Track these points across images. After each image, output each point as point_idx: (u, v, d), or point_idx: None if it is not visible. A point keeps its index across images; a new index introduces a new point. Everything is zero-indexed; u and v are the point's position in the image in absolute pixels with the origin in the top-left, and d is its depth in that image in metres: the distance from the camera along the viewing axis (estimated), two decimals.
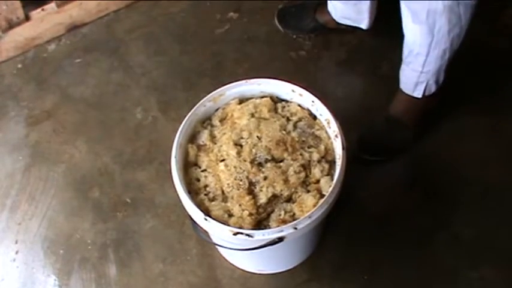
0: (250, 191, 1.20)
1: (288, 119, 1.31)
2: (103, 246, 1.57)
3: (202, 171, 1.26)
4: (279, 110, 1.33)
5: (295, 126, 1.29)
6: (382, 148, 1.62)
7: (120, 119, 1.80)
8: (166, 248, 1.55)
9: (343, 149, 1.22)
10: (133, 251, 1.56)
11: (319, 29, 1.84)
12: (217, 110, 1.35)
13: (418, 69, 1.46)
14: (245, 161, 1.22)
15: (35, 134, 1.80)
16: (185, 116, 1.29)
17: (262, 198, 1.18)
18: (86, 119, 1.82)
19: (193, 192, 1.23)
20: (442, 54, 1.40)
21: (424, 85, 1.50)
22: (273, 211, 1.21)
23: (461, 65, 1.53)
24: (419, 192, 1.58)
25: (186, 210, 1.20)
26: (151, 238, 1.57)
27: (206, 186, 1.24)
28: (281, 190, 1.20)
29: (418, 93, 1.53)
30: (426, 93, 1.53)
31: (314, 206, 1.17)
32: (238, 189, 1.19)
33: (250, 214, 1.17)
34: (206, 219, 1.15)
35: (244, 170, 1.21)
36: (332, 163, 1.25)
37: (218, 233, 1.15)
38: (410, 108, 1.59)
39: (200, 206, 1.19)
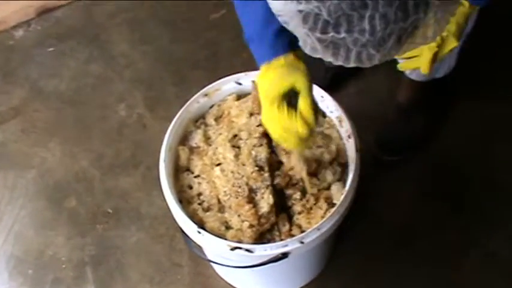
0: (251, 199, 1.21)
1: None
2: (80, 264, 1.59)
3: (195, 177, 1.28)
4: None
5: None
6: (401, 143, 1.68)
7: (101, 117, 1.82)
8: (153, 266, 1.56)
9: (356, 151, 1.23)
10: (115, 269, 1.57)
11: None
12: (212, 107, 1.37)
13: None
14: (244, 164, 1.24)
15: (0, 135, 1.81)
16: (175, 114, 1.30)
17: (264, 207, 1.20)
18: (60, 117, 1.84)
19: (185, 201, 1.25)
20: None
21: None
22: (276, 222, 1.22)
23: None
24: (444, 201, 1.60)
25: (176, 222, 1.21)
26: (137, 254, 1.59)
27: (200, 194, 1.26)
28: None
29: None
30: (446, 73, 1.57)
31: (323, 216, 1.19)
32: (237, 198, 1.21)
33: (251, 226, 1.19)
34: (200, 232, 1.16)
35: (243, 176, 1.23)
36: (345, 166, 1.27)
37: (213, 247, 1.17)
38: (420, 92, 1.64)
39: (193, 217, 1.21)
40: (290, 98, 1.03)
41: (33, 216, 1.67)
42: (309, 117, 1.02)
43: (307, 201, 1.22)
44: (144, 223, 1.63)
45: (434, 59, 1.08)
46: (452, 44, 1.06)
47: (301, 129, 1.02)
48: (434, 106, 1.74)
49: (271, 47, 1.03)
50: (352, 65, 0.83)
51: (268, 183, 1.21)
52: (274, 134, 1.06)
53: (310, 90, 1.03)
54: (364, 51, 0.80)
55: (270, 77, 1.03)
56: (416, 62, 1.11)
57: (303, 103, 1.01)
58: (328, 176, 1.24)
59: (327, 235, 1.17)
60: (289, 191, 1.23)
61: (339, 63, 0.84)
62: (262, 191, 1.21)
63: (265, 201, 1.20)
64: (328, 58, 0.84)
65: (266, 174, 1.22)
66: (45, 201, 1.69)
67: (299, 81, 1.02)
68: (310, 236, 1.15)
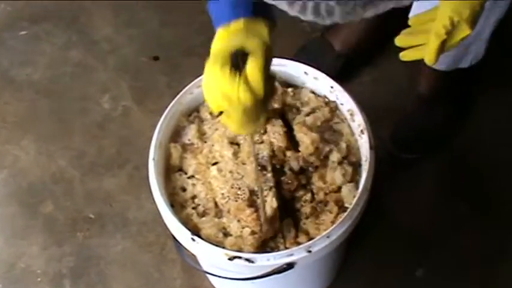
0: (252, 202, 1.22)
1: (298, 110, 1.34)
2: (57, 277, 1.59)
3: (189, 177, 1.29)
4: (287, 98, 1.36)
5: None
6: (420, 139, 1.71)
7: (81, 110, 1.83)
8: (141, 278, 1.57)
9: (370, 148, 1.24)
10: (97, 283, 1.58)
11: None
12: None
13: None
14: (244, 163, 1.25)
15: None
16: (166, 107, 1.31)
17: (267, 211, 1.21)
18: (35, 111, 1.84)
19: (177, 205, 1.26)
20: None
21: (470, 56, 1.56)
22: (281, 228, 1.23)
23: None
24: (467, 204, 1.62)
25: (167, 228, 1.22)
26: (122, 265, 1.60)
27: (194, 197, 1.27)
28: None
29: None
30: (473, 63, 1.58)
31: (333, 222, 1.20)
32: (236, 201, 1.21)
33: (253, 232, 1.19)
34: (194, 240, 1.17)
35: (243, 176, 1.24)
36: (357, 166, 1.28)
37: (209, 257, 1.18)
38: (443, 82, 1.65)
39: (186, 222, 1.22)
40: (241, 64, 0.98)
41: (3, 223, 1.67)
42: (255, 80, 0.97)
43: (319, 203, 1.24)
44: (131, 230, 1.64)
45: (442, 48, 1.03)
46: (464, 32, 1.01)
47: (243, 95, 0.96)
48: (458, 98, 1.75)
49: (233, 7, 1.02)
50: (309, 17, 0.81)
51: (272, 184, 1.22)
52: (213, 103, 1.02)
53: (265, 54, 0.98)
54: (322, 3, 0.79)
55: (222, 36, 1.02)
56: (421, 51, 1.06)
57: (250, 64, 0.97)
58: (338, 177, 1.25)
59: (338, 243, 1.18)
60: (300, 193, 1.25)
61: (294, 13, 0.82)
62: (265, 193, 1.22)
63: (268, 204, 1.21)
64: (283, 6, 0.83)
65: (269, 175, 1.23)
66: (17, 206, 1.70)
67: (252, 43, 0.98)
68: (319, 244, 1.15)
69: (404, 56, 1.08)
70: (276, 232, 1.22)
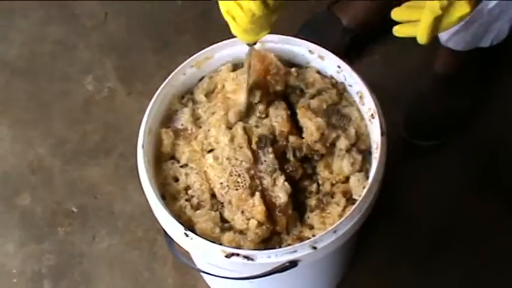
0: (254, 188, 1.22)
1: (302, 92, 1.35)
2: (35, 277, 1.60)
3: (181, 166, 1.29)
4: (290, 79, 1.36)
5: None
6: (438, 124, 1.71)
7: (62, 93, 1.83)
8: (129, 278, 1.58)
9: (382, 134, 1.24)
10: (80, 283, 1.59)
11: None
12: (202, 79, 1.38)
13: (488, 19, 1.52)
14: (241, 147, 1.26)
15: None
16: (156, 89, 1.31)
17: (281, 197, 1.21)
18: (10, 93, 1.84)
19: (169, 196, 1.26)
20: None
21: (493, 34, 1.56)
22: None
23: None
24: (492, 197, 1.62)
25: (158, 223, 1.22)
26: (108, 264, 1.60)
27: (188, 188, 1.27)
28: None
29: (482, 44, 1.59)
30: (494, 43, 1.58)
31: (341, 215, 1.20)
32: (237, 189, 1.22)
33: (260, 224, 1.20)
34: (187, 235, 1.17)
35: (242, 161, 1.24)
36: (367, 154, 1.28)
37: (205, 254, 1.18)
38: (462, 61, 1.66)
39: (179, 216, 1.22)
40: None
41: None
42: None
43: (325, 195, 1.25)
44: (118, 224, 1.64)
45: (436, 25, 1.03)
46: (463, 9, 1.01)
47: (257, 9, 1.04)
48: (479, 78, 1.75)
49: None
50: None
51: (277, 166, 1.23)
52: (225, 8, 1.07)
53: None
54: None
55: None
56: (414, 27, 1.06)
57: None
58: (346, 166, 1.26)
59: (346, 238, 1.18)
60: (304, 183, 1.26)
61: None
62: (274, 175, 1.23)
63: (281, 189, 1.22)
64: None
65: (271, 156, 1.24)
66: None
67: None
68: (325, 240, 1.15)
69: (397, 31, 1.09)
70: (288, 222, 1.23)
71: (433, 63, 1.71)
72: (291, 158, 1.26)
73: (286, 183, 1.22)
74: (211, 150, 1.27)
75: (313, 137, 1.26)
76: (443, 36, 1.61)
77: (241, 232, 1.21)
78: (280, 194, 1.22)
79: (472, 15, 1.06)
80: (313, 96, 1.33)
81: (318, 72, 1.37)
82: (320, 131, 1.26)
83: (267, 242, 1.22)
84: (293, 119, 1.29)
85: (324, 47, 1.35)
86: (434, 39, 1.05)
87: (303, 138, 1.27)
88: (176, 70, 1.35)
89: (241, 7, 1.04)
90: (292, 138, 1.27)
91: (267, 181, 1.23)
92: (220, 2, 1.07)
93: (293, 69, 1.36)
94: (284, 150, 1.27)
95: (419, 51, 1.76)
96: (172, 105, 1.35)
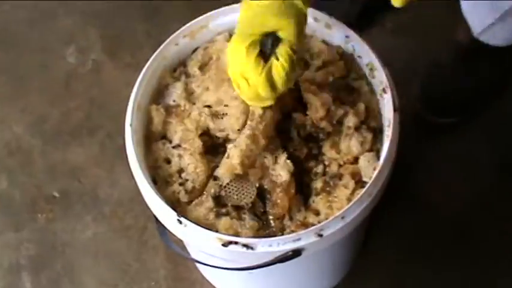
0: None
1: (306, 64, 1.34)
2: (13, 269, 1.61)
3: (174, 147, 1.29)
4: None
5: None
6: (457, 99, 1.70)
7: (41, 66, 1.83)
8: (117, 269, 1.59)
9: (394, 110, 1.24)
10: (63, 275, 1.59)
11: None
12: (195, 50, 1.38)
13: None
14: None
15: None
16: (146, 60, 1.31)
17: (283, 176, 1.22)
18: None
19: (160, 180, 1.27)
20: None
21: None
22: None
23: None
24: None
25: (149, 209, 1.23)
26: (94, 254, 1.61)
27: (181, 170, 1.27)
28: None
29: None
30: None
31: (349, 200, 1.21)
32: None
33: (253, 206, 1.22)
34: (181, 222, 1.18)
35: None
36: (377, 132, 1.29)
37: (199, 242, 1.18)
38: None
39: (172, 201, 1.23)
40: (265, 43, 1.10)
41: None
42: (279, 81, 1.11)
43: (332, 177, 1.25)
44: (104, 211, 1.65)
45: None
46: None
47: (263, 92, 1.12)
48: (507, 50, 1.74)
49: None
50: None
51: (278, 144, 1.24)
52: (232, 73, 1.14)
53: (299, 38, 1.10)
54: None
55: (254, 9, 1.09)
56: None
57: (278, 61, 1.09)
58: (355, 145, 1.26)
59: (354, 225, 1.19)
60: (310, 163, 1.26)
61: None
62: (276, 153, 1.23)
63: (283, 167, 1.22)
64: None
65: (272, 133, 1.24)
66: None
67: (286, 29, 1.09)
68: (332, 227, 1.15)
69: None
70: (291, 205, 1.23)
71: (454, 32, 1.70)
72: (295, 137, 1.27)
73: (288, 161, 1.22)
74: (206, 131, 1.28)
75: (318, 114, 1.25)
76: (476, 28, 1.60)
77: (239, 217, 1.22)
78: (282, 172, 1.22)
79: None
80: (318, 69, 1.33)
81: (324, 42, 1.37)
82: (326, 107, 1.26)
83: (267, 228, 1.23)
84: (296, 94, 1.29)
85: (330, 14, 1.35)
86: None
87: (307, 115, 1.27)
88: (168, 40, 1.35)
89: (248, 82, 1.11)
90: (295, 115, 1.27)
91: (268, 160, 1.23)
92: (229, 66, 1.14)
93: None
94: (288, 128, 1.27)
95: (436, 18, 1.77)
96: (163, 79, 1.35)
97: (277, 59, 1.09)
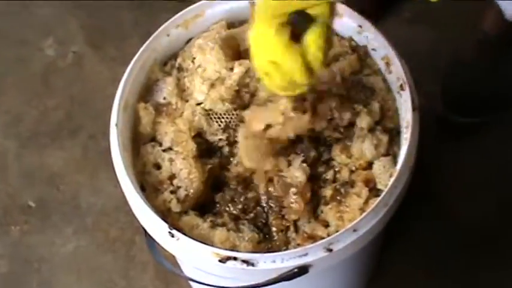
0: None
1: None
2: None
3: (164, 150, 1.29)
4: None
5: None
6: (482, 97, 1.71)
7: (16, 60, 1.83)
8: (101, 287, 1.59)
9: (413, 109, 1.24)
10: None
11: None
12: (189, 42, 1.39)
13: None
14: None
15: None
16: (134, 53, 1.31)
17: (298, 177, 1.22)
18: None
19: (150, 187, 1.27)
20: None
21: None
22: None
23: None
24: None
25: (136, 220, 1.23)
26: (75, 270, 1.61)
27: (172, 177, 1.27)
28: None
29: None
30: None
31: (362, 210, 1.21)
32: None
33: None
34: (173, 235, 1.18)
35: None
36: (394, 134, 1.29)
37: (194, 258, 1.18)
38: None
39: (163, 211, 1.23)
40: (296, 22, 1.06)
41: None
42: (317, 63, 1.08)
43: (343, 184, 1.25)
44: (86, 222, 1.65)
45: None
46: None
47: (300, 77, 1.08)
48: None
49: None
50: None
51: (291, 146, 1.23)
52: (258, 63, 1.11)
53: (332, 18, 1.08)
54: None
55: None
56: None
57: (313, 39, 1.06)
58: (368, 149, 1.25)
59: (369, 239, 1.19)
60: (318, 169, 1.26)
61: None
62: (290, 157, 1.23)
63: (297, 169, 1.22)
64: None
65: None
66: None
67: (320, 6, 1.05)
68: (343, 240, 1.15)
69: None
70: (303, 210, 1.23)
71: (480, 23, 1.70)
72: (303, 139, 1.26)
73: (304, 164, 1.23)
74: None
75: (319, 124, 1.26)
76: (510, 10, 1.60)
77: (237, 228, 1.22)
78: (297, 173, 1.22)
79: None
80: (328, 63, 1.33)
81: (334, 33, 1.37)
82: (326, 118, 1.26)
83: (269, 241, 1.23)
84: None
85: (342, 2, 1.35)
86: None
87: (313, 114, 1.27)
88: (158, 31, 1.35)
89: (279, 70, 1.08)
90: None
91: (280, 163, 1.24)
92: (254, 59, 1.12)
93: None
94: None
95: (459, 5, 1.77)
96: (153, 74, 1.35)
97: (311, 40, 1.06)
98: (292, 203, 1.22)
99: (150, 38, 1.34)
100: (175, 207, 1.24)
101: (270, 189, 1.24)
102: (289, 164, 1.23)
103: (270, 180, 1.24)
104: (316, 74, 1.09)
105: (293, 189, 1.22)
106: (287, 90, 1.14)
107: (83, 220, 1.65)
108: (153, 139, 1.31)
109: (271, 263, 1.14)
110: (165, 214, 1.23)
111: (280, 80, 1.10)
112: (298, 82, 1.09)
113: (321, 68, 1.09)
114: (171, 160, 1.28)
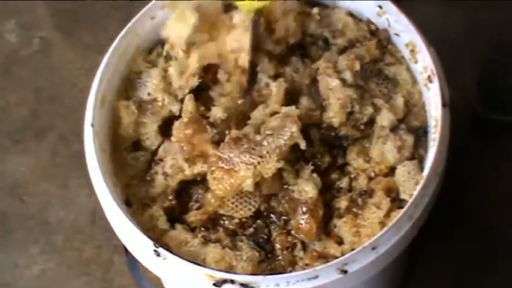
0: None
1: (326, 43, 1.37)
2: None
3: (160, 161, 1.30)
4: (311, 25, 1.38)
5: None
6: None
7: None
8: None
9: (443, 105, 1.25)
10: None
11: None
12: None
13: None
14: None
15: None
16: (112, 40, 1.32)
17: (308, 192, 1.22)
18: None
19: (135, 200, 1.28)
20: None
21: None
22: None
23: None
24: None
25: (116, 236, 1.23)
26: None
27: (161, 185, 1.29)
28: None
29: None
30: None
31: (382, 224, 1.21)
32: None
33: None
34: (159, 254, 1.18)
35: None
36: (421, 135, 1.30)
37: (183, 280, 1.19)
38: None
39: (149, 228, 1.24)
40: None
41: None
42: None
43: (360, 194, 1.26)
44: (55, 240, 1.66)
45: None
46: None
47: None
48: None
49: None
50: None
51: (299, 153, 1.24)
52: None
53: None
54: None
55: None
56: None
57: None
58: (390, 152, 1.27)
59: (390, 259, 1.19)
60: (332, 176, 1.28)
61: None
62: (296, 166, 1.24)
63: (306, 182, 1.23)
64: None
65: None
66: None
67: None
68: (359, 261, 1.16)
69: None
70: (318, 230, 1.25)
71: None
72: (315, 141, 1.28)
73: (314, 175, 1.23)
74: None
75: (336, 119, 1.27)
76: None
77: (233, 246, 1.23)
78: (307, 186, 1.23)
79: None
80: (342, 51, 1.35)
81: (350, 14, 1.38)
82: (346, 110, 1.27)
83: (272, 261, 1.24)
84: (313, 82, 1.31)
85: None
86: None
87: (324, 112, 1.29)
88: (141, 12, 1.36)
89: None
90: (314, 114, 1.29)
91: (287, 173, 1.24)
92: None
93: (314, 10, 1.38)
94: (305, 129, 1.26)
95: None
96: (135, 65, 1.36)
97: None
98: (301, 224, 1.22)
99: (132, 21, 1.34)
100: (163, 224, 1.25)
101: (272, 204, 1.26)
102: (297, 174, 1.24)
103: (274, 195, 1.25)
104: None
105: (302, 208, 1.23)
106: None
107: (52, 237, 1.66)
108: (137, 142, 1.33)
109: (275, 287, 1.15)
110: (153, 230, 1.24)
111: None
112: None
113: None
114: (158, 166, 1.29)
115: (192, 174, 1.27)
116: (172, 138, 1.30)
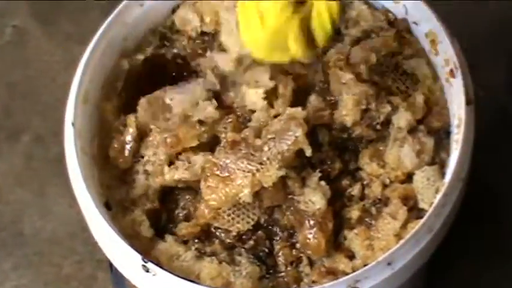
0: None
1: (339, 33, 1.37)
2: None
3: (141, 158, 1.31)
4: None
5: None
6: None
7: None
8: None
9: (468, 103, 1.26)
10: None
11: None
12: (176, 10, 1.41)
13: None
14: None
15: None
16: (95, 29, 1.33)
17: (316, 203, 1.23)
18: None
19: (118, 206, 1.29)
20: None
21: None
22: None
23: None
24: None
25: (100, 251, 1.24)
26: None
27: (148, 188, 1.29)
28: None
29: None
30: None
31: (399, 237, 1.22)
32: None
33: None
34: (148, 270, 1.18)
35: None
36: (442, 136, 1.30)
37: None
38: None
39: (132, 235, 1.24)
40: None
41: None
42: (322, 30, 1.15)
43: (374, 202, 1.26)
44: (30, 254, 1.66)
45: None
46: None
47: (296, 51, 1.15)
48: None
49: None
50: None
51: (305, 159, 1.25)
52: (243, 32, 1.19)
53: None
54: None
55: None
56: None
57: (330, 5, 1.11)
58: (407, 155, 1.27)
59: (407, 276, 1.20)
60: (343, 182, 1.28)
61: None
62: (302, 174, 1.25)
63: (314, 191, 1.24)
64: None
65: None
66: None
67: None
68: (373, 277, 1.16)
69: None
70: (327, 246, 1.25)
71: None
72: (325, 145, 1.29)
73: (322, 183, 1.24)
74: None
75: (349, 117, 1.28)
76: None
77: (231, 260, 1.23)
78: (315, 197, 1.23)
79: None
80: (355, 42, 1.36)
81: (365, 2, 1.39)
82: (361, 107, 1.28)
83: (274, 277, 1.24)
84: (320, 78, 1.31)
85: None
86: None
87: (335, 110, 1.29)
88: None
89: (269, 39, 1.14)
90: (323, 113, 1.30)
91: (292, 182, 1.25)
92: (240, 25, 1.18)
93: None
94: (312, 130, 1.27)
95: None
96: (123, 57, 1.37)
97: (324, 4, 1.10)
98: (308, 239, 1.23)
99: (118, 8, 1.35)
100: (146, 231, 1.26)
101: (275, 216, 1.26)
102: (303, 182, 1.25)
103: (277, 206, 1.26)
104: (319, 46, 1.15)
105: (309, 221, 1.23)
106: (274, 54, 1.18)
107: (26, 251, 1.66)
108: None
109: None
110: (132, 240, 1.23)
111: (261, 36, 1.15)
112: (294, 56, 1.15)
113: (325, 40, 1.15)
114: (146, 172, 1.30)
115: (172, 180, 1.27)
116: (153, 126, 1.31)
